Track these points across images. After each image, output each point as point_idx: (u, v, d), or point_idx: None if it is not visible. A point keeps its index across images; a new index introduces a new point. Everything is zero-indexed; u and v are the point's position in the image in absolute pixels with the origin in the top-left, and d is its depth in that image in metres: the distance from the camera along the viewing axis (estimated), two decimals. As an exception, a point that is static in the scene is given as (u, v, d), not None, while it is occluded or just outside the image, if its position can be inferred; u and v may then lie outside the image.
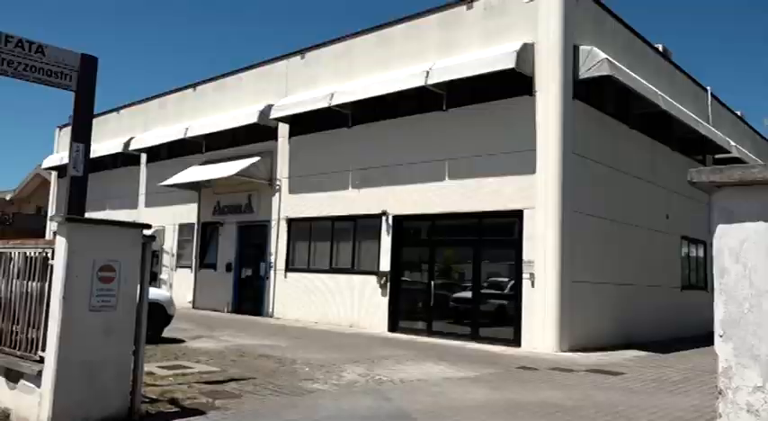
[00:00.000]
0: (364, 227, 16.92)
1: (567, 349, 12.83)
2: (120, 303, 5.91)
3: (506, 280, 14.18)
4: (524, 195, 13.60)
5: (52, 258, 5.87)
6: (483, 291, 14.34)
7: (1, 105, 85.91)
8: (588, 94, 14.31)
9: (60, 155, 28.76)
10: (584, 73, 13.60)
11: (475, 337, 14.02)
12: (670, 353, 13.47)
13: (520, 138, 13.79)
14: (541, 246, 13.19)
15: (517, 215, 13.71)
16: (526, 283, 13.32)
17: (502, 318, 14.03)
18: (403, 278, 16.10)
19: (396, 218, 16.07)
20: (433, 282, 15.20)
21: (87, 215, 7.42)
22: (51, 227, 29.50)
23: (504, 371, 10.05)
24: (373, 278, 16.20)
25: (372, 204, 16.56)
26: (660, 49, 18.06)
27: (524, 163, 13.63)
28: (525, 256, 13.41)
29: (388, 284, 15.88)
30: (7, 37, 7.10)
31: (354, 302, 16.57)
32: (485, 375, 9.51)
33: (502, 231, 14.43)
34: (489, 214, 14.24)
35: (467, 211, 14.56)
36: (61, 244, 5.69)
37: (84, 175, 7.36)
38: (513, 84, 14.06)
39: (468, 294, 14.52)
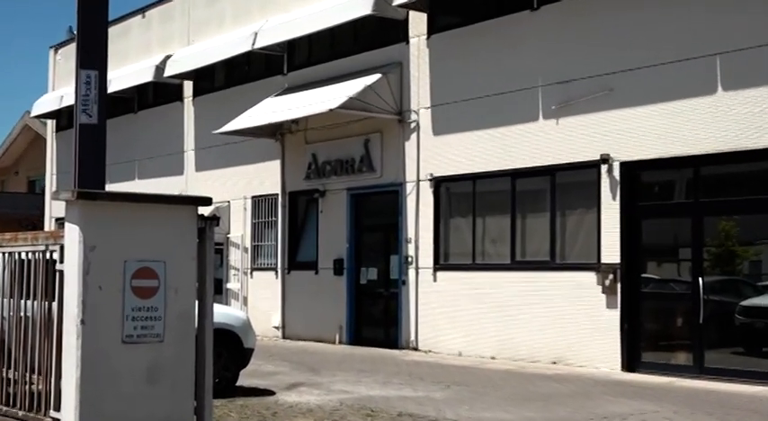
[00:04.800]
0: (569, 185, 16.70)
1: None
2: (168, 330, 6.24)
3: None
4: None
5: (61, 261, 6.30)
6: (799, 293, 13.79)
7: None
8: None
9: (59, 93, 30.75)
10: None
11: (787, 379, 13.50)
12: None
13: None
14: None
15: None
16: None
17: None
18: (645, 275, 15.80)
19: (627, 166, 15.67)
20: (701, 281, 14.74)
21: (109, 188, 7.91)
22: (53, 210, 31.78)
23: None
24: (591, 276, 15.96)
25: (582, 144, 16.25)
26: None
27: None
28: None
29: (619, 287, 15.58)
30: None
31: (558, 321, 16.42)
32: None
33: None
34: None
35: (760, 148, 13.97)
36: (73, 236, 6.08)
37: (101, 123, 7.82)
38: None
39: (771, 301, 14.05)
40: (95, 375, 5.99)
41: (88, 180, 7.75)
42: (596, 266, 15.93)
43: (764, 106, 13.94)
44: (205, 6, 25.92)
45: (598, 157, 15.94)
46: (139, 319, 6.14)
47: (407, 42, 19.79)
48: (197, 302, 6.49)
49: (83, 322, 5.97)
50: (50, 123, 33.73)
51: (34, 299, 6.71)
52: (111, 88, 23.44)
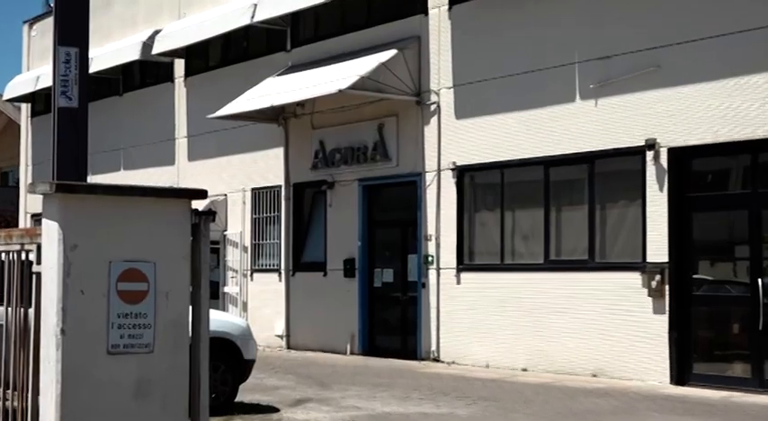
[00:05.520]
0: (610, 174, 16.71)
1: None
2: (159, 340, 6.23)
3: None
4: None
5: (38, 262, 6.30)
6: None
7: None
8: None
9: (34, 73, 30.88)
10: None
11: None
12: None
13: None
14: None
15: None
16: None
17: None
18: (696, 275, 15.78)
19: (676, 152, 15.63)
20: (761, 282, 14.69)
21: (91, 180, 7.91)
22: (28, 205, 31.89)
23: None
24: (635, 277, 15.93)
25: (624, 128, 16.21)
26: None
27: None
28: None
29: (667, 289, 15.55)
30: None
31: (599, 328, 16.41)
32: None
33: None
34: None
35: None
36: (52, 234, 6.07)
37: (83, 106, 7.81)
38: None
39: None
40: (77, 390, 5.99)
41: (68, 171, 7.74)
42: (641, 266, 15.90)
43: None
44: (198, -25, 25.97)
45: (643, 143, 15.90)
46: (126, 327, 6.13)
47: (426, 14, 19.75)
48: (191, 308, 6.48)
49: (63, 331, 5.97)
50: (25, 107, 33.82)
51: (8, 305, 6.71)
52: (94, 67, 23.55)
